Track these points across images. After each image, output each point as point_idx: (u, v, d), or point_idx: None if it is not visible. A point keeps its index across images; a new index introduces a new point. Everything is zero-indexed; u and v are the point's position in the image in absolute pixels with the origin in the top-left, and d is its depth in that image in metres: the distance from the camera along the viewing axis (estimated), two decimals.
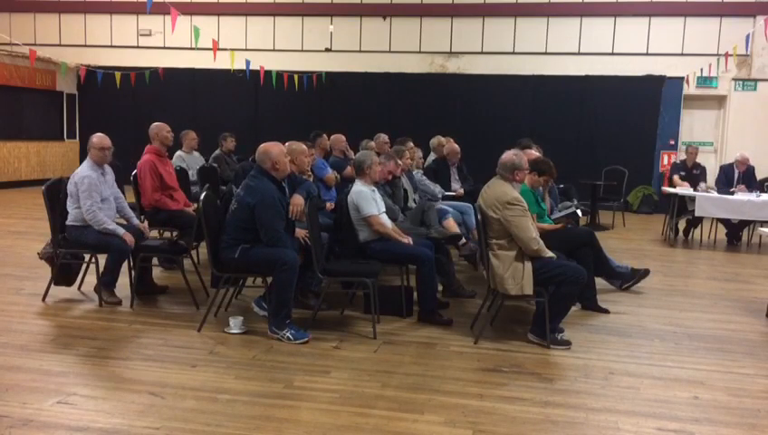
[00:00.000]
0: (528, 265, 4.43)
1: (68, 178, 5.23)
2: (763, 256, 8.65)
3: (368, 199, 5.06)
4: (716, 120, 13.70)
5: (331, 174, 6.81)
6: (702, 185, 9.18)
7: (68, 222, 5.20)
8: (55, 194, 5.25)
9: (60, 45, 15.13)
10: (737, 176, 9.44)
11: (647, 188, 13.14)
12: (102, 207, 5.17)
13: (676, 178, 9.59)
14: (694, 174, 9.57)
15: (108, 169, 5.39)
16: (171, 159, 6.79)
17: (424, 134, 9.19)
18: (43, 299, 5.32)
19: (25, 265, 6.55)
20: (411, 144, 7.74)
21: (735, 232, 9.33)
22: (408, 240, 5.14)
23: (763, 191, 9.14)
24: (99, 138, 5.33)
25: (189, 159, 8.08)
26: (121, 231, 5.17)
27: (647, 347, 4.62)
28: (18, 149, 14.21)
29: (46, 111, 14.99)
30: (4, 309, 5.12)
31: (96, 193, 5.14)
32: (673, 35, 13.29)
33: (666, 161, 13.22)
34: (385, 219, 5.18)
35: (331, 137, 7.72)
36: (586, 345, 4.59)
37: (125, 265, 5.34)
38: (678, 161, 10.15)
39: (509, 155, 4.68)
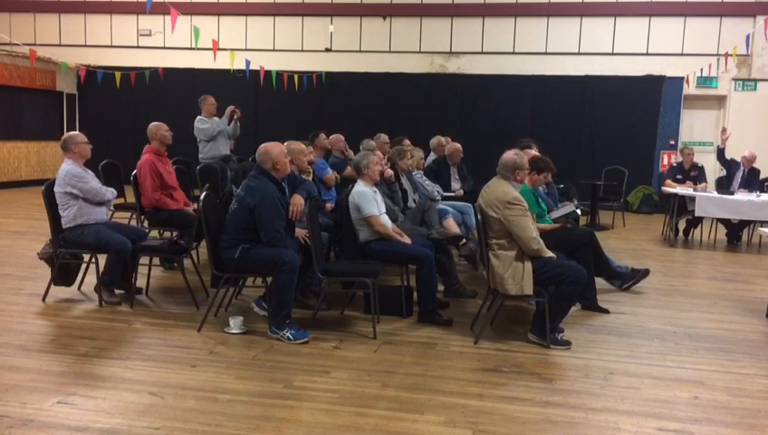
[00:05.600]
0: (528, 265, 4.43)
1: (52, 184, 5.22)
2: (763, 256, 8.65)
3: (369, 200, 5.07)
4: (716, 120, 13.70)
5: (331, 174, 6.81)
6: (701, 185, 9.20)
7: (64, 226, 5.19)
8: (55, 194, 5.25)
9: (60, 45, 15.13)
10: (742, 173, 9.42)
11: (647, 188, 13.14)
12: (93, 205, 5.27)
13: (669, 181, 9.55)
14: (691, 175, 9.54)
15: (89, 171, 5.39)
16: (172, 158, 6.80)
17: (424, 134, 9.18)
18: (43, 299, 5.32)
19: (25, 265, 6.55)
20: (408, 142, 7.74)
21: (735, 232, 9.32)
22: (407, 240, 5.14)
23: (763, 191, 9.13)
24: (78, 134, 5.39)
25: (213, 121, 8.53)
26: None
27: (647, 347, 4.62)
28: (18, 150, 14.21)
29: (46, 111, 14.99)
30: (4, 309, 5.12)
31: (87, 178, 5.22)
32: (673, 35, 13.29)
33: (666, 161, 13.21)
34: (385, 220, 5.18)
35: (330, 137, 7.72)
36: (586, 345, 4.59)
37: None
38: (675, 163, 10.12)
39: (509, 155, 4.68)
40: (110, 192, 5.41)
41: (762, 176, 9.74)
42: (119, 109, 14.82)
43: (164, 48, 14.77)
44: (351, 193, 5.17)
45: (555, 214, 5.90)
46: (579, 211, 6.07)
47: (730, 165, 9.67)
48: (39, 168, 14.66)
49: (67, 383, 3.70)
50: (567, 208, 5.97)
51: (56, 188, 5.16)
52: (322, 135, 7.42)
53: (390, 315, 5.10)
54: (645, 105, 13.29)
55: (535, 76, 13.60)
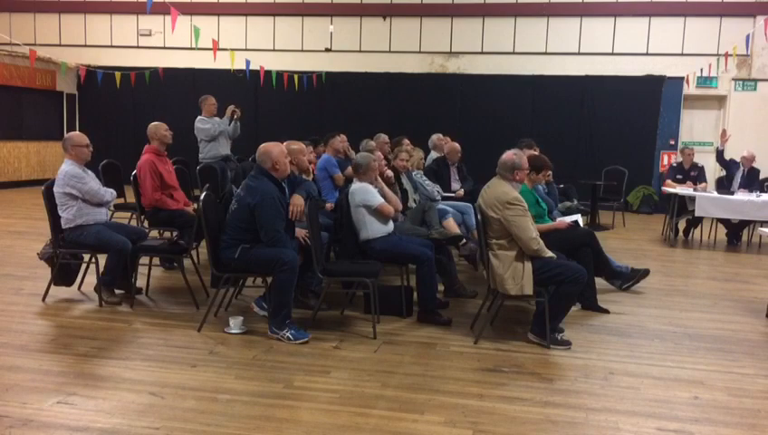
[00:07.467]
0: (528, 265, 4.43)
1: (52, 184, 5.21)
2: (763, 256, 8.65)
3: (371, 192, 5.14)
4: (716, 120, 13.70)
5: (340, 173, 6.86)
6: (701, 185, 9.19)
7: (64, 226, 5.19)
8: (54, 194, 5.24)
9: (60, 45, 15.13)
10: (742, 173, 9.41)
11: (647, 188, 13.14)
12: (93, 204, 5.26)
13: (669, 181, 9.55)
14: (691, 175, 9.54)
15: (89, 171, 5.37)
16: (172, 158, 6.80)
17: (424, 134, 9.18)
18: (43, 299, 5.32)
19: (25, 265, 6.55)
20: (408, 142, 7.74)
21: (735, 232, 9.32)
22: (398, 203, 5.40)
23: (763, 191, 9.13)
24: (79, 135, 5.37)
25: (214, 121, 8.61)
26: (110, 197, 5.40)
27: (647, 347, 4.62)
28: (18, 149, 14.22)
29: (46, 111, 15.00)
30: (4, 309, 5.12)
31: (86, 179, 5.21)
32: (673, 35, 13.29)
33: (666, 161, 13.22)
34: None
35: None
36: (586, 345, 4.59)
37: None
38: (675, 163, 10.13)
39: (509, 155, 4.68)
40: (108, 193, 5.40)
41: (762, 176, 9.74)
42: (119, 109, 14.83)
43: (164, 48, 14.78)
44: (351, 192, 5.18)
45: (561, 219, 5.87)
46: (580, 220, 6.04)
47: (730, 165, 9.68)
48: (39, 168, 14.67)
49: (67, 383, 3.70)
50: (573, 217, 5.95)
51: (55, 189, 5.16)
52: (338, 137, 7.46)
53: (390, 315, 5.10)
54: (645, 105, 13.30)
55: (535, 76, 13.60)
